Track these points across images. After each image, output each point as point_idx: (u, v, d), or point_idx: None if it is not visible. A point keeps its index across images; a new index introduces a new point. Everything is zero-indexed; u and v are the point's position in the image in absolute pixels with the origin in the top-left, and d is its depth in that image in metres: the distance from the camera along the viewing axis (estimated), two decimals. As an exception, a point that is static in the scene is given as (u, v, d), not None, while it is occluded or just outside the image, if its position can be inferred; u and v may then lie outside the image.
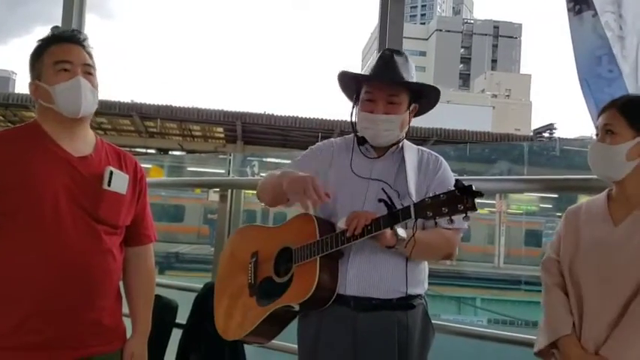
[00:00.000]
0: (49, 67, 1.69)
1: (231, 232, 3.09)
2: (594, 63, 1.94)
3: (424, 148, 1.98)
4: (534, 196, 20.01)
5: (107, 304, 1.74)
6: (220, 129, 18.88)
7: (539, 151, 19.06)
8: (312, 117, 18.21)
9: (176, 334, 2.57)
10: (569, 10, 1.99)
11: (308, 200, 1.75)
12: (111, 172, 1.73)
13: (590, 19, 1.91)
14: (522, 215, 21.35)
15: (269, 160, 18.33)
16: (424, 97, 1.92)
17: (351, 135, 2.01)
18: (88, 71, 1.72)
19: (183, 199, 19.14)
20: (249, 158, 17.73)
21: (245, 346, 2.45)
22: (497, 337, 2.35)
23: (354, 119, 1.94)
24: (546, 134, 25.26)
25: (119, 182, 1.75)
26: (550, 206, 20.62)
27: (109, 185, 1.72)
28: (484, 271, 16.23)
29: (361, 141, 1.92)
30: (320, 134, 18.21)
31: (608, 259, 1.61)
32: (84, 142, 1.76)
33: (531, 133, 28.23)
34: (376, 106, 1.85)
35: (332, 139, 2.07)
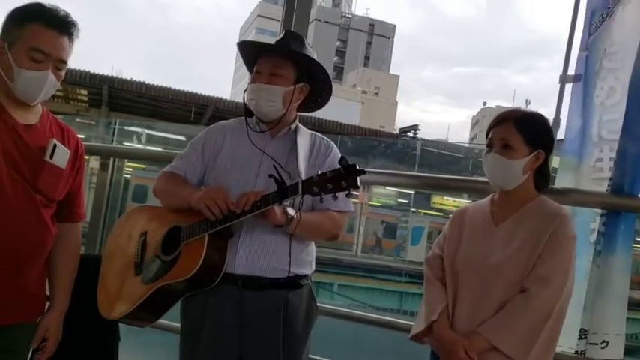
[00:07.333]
0: (24, 46, 1.62)
1: (110, 204, 2.94)
2: None
3: (317, 134, 2.01)
4: (394, 191, 21.17)
5: (35, 274, 1.72)
6: (84, 91, 17.67)
7: (403, 149, 20.23)
8: (186, 90, 17.67)
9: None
10: None
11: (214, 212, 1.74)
12: (55, 145, 1.72)
13: None
14: (381, 208, 22.49)
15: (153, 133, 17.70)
16: (314, 78, 1.93)
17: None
18: (60, 67, 1.68)
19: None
20: (134, 129, 16.90)
21: (120, 325, 2.33)
22: (376, 321, 2.46)
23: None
24: (410, 134, 26.98)
25: (61, 156, 1.74)
26: (406, 201, 21.94)
27: (51, 158, 1.71)
28: (343, 258, 16.91)
29: (249, 113, 1.93)
30: (193, 109, 17.72)
31: (486, 256, 1.75)
32: (31, 111, 1.73)
33: (396, 132, 29.90)
34: (260, 77, 1.87)
35: (223, 121, 2.04)
